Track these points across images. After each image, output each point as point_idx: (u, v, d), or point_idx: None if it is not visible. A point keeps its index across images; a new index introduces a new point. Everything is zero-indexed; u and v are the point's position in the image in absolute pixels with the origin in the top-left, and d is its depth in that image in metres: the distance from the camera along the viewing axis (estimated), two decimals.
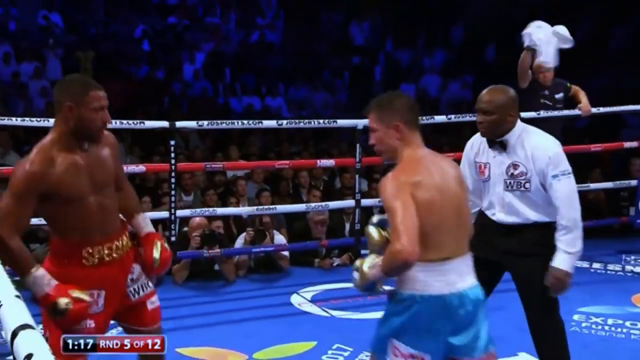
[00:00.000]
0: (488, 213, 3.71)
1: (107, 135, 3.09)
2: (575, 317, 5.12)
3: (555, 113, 6.56)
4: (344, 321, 5.04)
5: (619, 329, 4.95)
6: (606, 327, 4.98)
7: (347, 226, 6.62)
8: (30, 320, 1.73)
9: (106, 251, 2.97)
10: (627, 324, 5.03)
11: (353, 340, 4.60)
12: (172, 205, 5.53)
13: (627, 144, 7.08)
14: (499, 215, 3.64)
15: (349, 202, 6.26)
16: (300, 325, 4.94)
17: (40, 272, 2.72)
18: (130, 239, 3.15)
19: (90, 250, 2.93)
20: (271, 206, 6.20)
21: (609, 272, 6.28)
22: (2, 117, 5.45)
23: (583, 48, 12.74)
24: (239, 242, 6.12)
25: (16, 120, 5.37)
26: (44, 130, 3.69)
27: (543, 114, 6.38)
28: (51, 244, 3.04)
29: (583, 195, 7.11)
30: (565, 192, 3.48)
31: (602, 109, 6.83)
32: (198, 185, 7.43)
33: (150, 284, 3.22)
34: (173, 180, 5.53)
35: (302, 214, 6.58)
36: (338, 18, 14.08)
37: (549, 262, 3.44)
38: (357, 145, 5.99)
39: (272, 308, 5.30)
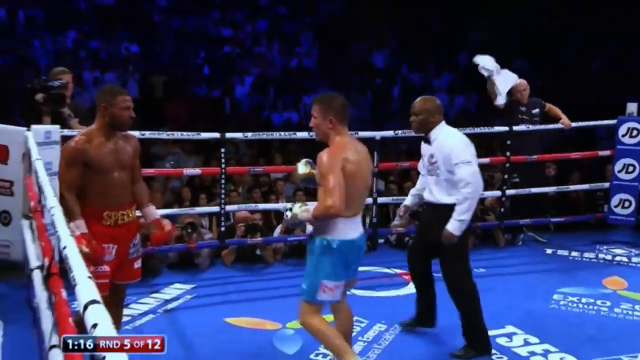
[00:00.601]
0: (424, 193, 4.16)
1: (133, 137, 3.62)
2: (555, 296, 5.12)
3: (540, 127, 6.54)
4: (362, 298, 5.02)
5: (591, 307, 4.95)
6: (580, 305, 4.98)
7: (367, 220, 6.64)
8: (97, 297, 1.77)
9: (120, 216, 3.41)
10: (598, 302, 5.04)
11: (369, 314, 4.64)
12: (222, 201, 5.61)
13: (601, 153, 7.05)
14: (425, 194, 4.12)
15: (368, 200, 6.26)
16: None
17: (79, 221, 3.25)
18: (133, 215, 3.52)
19: (109, 213, 3.37)
20: (305, 203, 6.21)
21: (584, 259, 6.23)
22: None
23: (568, 69, 12.66)
24: (277, 232, 6.13)
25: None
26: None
27: (523, 127, 6.40)
28: (82, 209, 3.35)
29: (566, 194, 7.10)
30: (463, 175, 3.82)
31: (580, 123, 6.80)
32: (246, 185, 7.49)
33: (140, 250, 3.64)
34: (223, 181, 5.60)
35: None
36: (363, 47, 14.07)
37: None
38: (375, 153, 6.01)
39: (286, 289, 5.19)
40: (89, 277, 1.95)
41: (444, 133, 3.99)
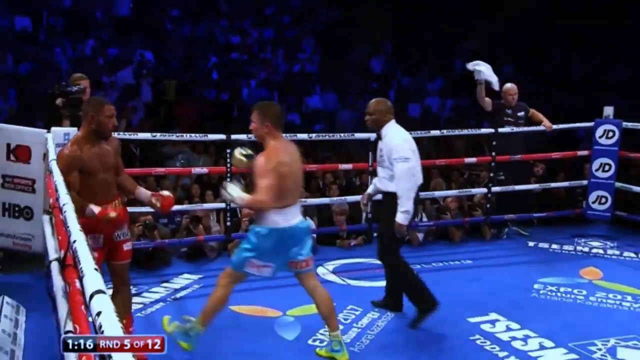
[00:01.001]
0: (376, 182, 4.39)
1: (114, 139, 3.76)
2: (536, 286, 5.15)
3: (524, 129, 6.56)
4: (357, 288, 5.08)
5: (568, 295, 4.97)
6: (558, 294, 5.01)
7: (364, 215, 6.66)
8: (102, 287, 1.79)
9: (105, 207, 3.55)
10: (575, 291, 5.06)
11: (363, 303, 4.67)
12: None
13: (580, 153, 7.06)
14: (377, 183, 4.35)
15: (358, 197, 6.27)
16: None
17: (92, 206, 3.44)
18: (122, 203, 3.75)
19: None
20: (304, 199, 6.21)
21: (563, 251, 6.24)
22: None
23: (551, 76, 12.69)
24: None
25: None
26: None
27: (507, 129, 6.42)
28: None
29: (548, 191, 7.12)
30: (400, 171, 4.06)
31: (560, 125, 6.82)
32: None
33: (129, 234, 3.82)
34: (229, 179, 5.59)
35: (327, 205, 6.56)
36: (361, 53, 14.07)
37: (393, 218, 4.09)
38: (370, 153, 6.02)
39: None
40: (95, 269, 1.96)
41: (392, 131, 4.22)
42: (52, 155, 4.20)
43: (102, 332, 1.56)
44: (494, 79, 6.39)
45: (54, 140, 4.66)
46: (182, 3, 14.02)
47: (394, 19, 14.05)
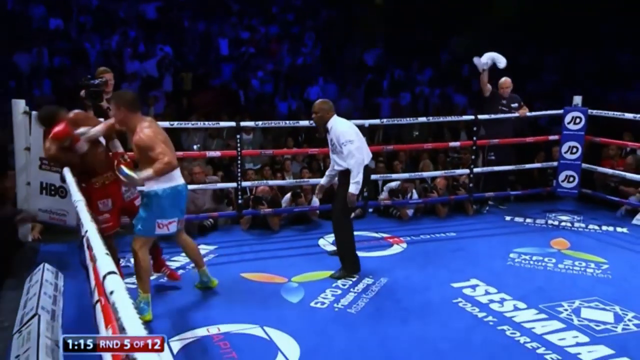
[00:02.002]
0: (335, 167, 4.56)
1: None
2: (511, 255, 5.17)
3: (502, 116, 6.55)
4: None
5: (540, 263, 5.00)
6: (531, 262, 5.03)
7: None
8: (114, 269, 1.84)
9: (104, 179, 3.98)
10: (545, 259, 5.09)
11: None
12: (239, 179, 5.63)
13: (551, 137, 7.04)
14: (336, 167, 4.53)
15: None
16: (323, 260, 4.99)
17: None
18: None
19: (95, 180, 3.97)
20: (307, 179, 6.23)
21: (536, 224, 6.26)
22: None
23: (523, 72, 12.62)
24: (285, 200, 6.09)
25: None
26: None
27: (485, 116, 6.45)
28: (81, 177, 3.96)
29: (526, 171, 7.09)
30: (348, 151, 4.34)
31: (534, 113, 6.84)
32: (264, 163, 7.52)
33: (136, 192, 4.20)
34: (239, 161, 5.61)
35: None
36: (357, 48, 13.95)
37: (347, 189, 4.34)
38: (365, 138, 5.97)
39: (306, 248, 5.33)
40: (106, 254, 2.04)
41: (336, 123, 4.46)
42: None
43: (116, 309, 1.57)
44: (500, 60, 6.40)
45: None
46: (198, 3, 13.86)
47: (386, 17, 13.92)
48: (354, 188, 4.34)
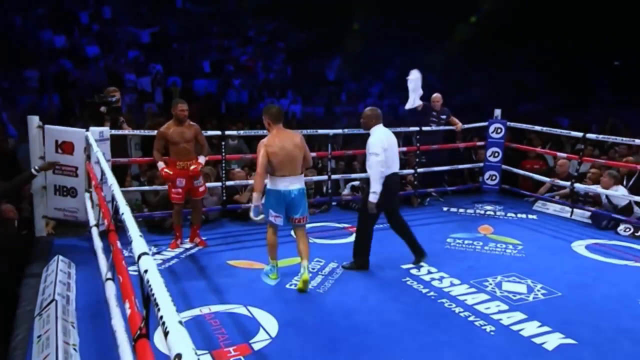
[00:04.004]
0: None
1: (193, 125, 4.78)
2: (448, 239, 5.26)
3: (441, 127, 6.64)
4: (321, 245, 5.07)
5: (470, 246, 5.10)
6: (464, 245, 5.12)
7: (324, 189, 6.64)
8: (146, 250, 1.77)
9: (184, 163, 4.69)
10: (475, 243, 5.20)
11: (325, 256, 4.70)
12: (223, 178, 5.59)
13: (478, 143, 7.22)
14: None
15: (324, 177, 6.29)
16: (295, 248, 4.83)
17: (161, 163, 4.73)
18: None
19: (180, 162, 4.69)
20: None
21: (467, 214, 6.36)
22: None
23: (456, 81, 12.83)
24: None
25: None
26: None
27: (427, 128, 6.51)
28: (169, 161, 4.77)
29: (458, 171, 7.21)
30: (370, 162, 4.08)
31: (466, 125, 6.97)
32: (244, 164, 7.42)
33: (202, 182, 4.86)
34: (224, 165, 5.57)
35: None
36: (319, 64, 13.96)
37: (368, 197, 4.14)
38: (329, 145, 6.08)
39: (280, 237, 4.98)
40: (140, 236, 1.94)
41: (374, 132, 4.15)
42: (95, 148, 4.14)
43: (150, 286, 1.54)
44: (412, 97, 6.27)
45: (93, 137, 4.60)
46: (184, 27, 13.59)
47: (345, 39, 13.91)
48: (371, 197, 4.09)
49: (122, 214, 2.28)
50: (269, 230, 4.00)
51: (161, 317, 1.30)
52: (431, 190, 6.77)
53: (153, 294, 1.50)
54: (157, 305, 1.37)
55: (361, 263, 4.36)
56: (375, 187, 4.07)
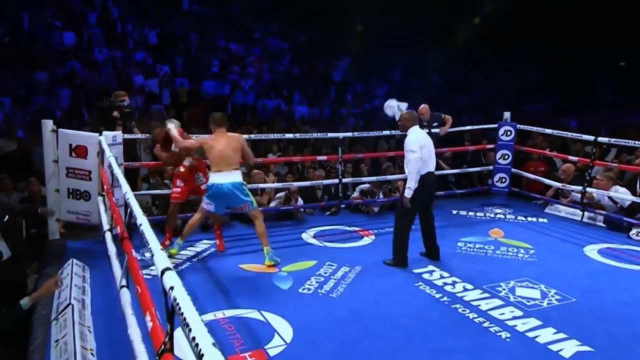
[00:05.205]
0: None
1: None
2: (459, 243, 5.22)
3: (433, 131, 6.39)
4: (332, 249, 5.06)
5: (481, 250, 5.06)
6: (475, 249, 5.09)
7: (333, 191, 6.64)
8: (169, 264, 1.75)
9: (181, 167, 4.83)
10: (486, 247, 5.16)
11: (337, 259, 4.67)
12: None
13: (488, 146, 7.17)
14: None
15: (335, 180, 6.27)
16: (307, 251, 4.97)
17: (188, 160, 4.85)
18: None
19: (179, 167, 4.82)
20: (291, 183, 6.17)
21: (477, 217, 6.33)
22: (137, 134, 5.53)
23: (460, 83, 12.78)
24: (276, 199, 6.00)
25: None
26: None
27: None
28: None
29: (468, 174, 7.18)
30: (408, 160, 4.25)
31: (472, 127, 6.94)
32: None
33: (204, 180, 4.76)
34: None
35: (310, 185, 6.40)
36: (326, 65, 13.94)
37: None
38: (339, 148, 6.05)
39: (292, 241, 5.28)
40: (161, 249, 1.91)
41: (411, 132, 4.35)
42: (107, 152, 4.14)
43: (178, 305, 1.50)
44: (390, 111, 5.98)
45: (105, 141, 4.60)
46: (192, 29, 13.60)
47: (350, 40, 13.88)
48: (407, 192, 4.24)
49: (140, 224, 2.26)
50: (197, 215, 4.49)
51: (194, 339, 1.29)
52: (440, 193, 6.71)
53: (182, 313, 1.47)
54: (187, 325, 1.37)
55: (399, 260, 4.48)
56: (411, 183, 4.21)
